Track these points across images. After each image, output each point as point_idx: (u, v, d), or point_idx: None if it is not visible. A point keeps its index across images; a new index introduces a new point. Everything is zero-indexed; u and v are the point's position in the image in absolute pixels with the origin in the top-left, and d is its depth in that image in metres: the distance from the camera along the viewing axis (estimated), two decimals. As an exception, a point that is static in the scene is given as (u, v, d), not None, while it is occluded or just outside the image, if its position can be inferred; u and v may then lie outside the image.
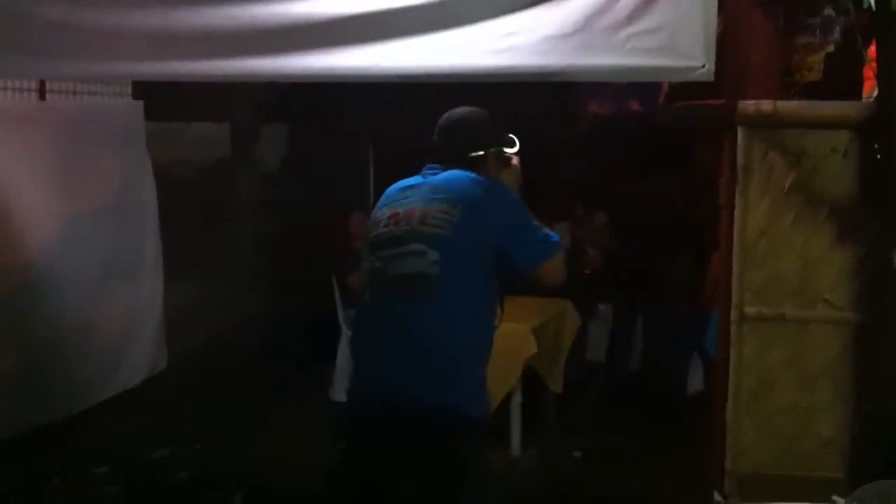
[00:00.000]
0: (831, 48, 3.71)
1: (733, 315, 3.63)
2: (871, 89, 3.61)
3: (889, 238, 3.44)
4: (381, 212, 3.05)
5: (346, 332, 5.99)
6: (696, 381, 6.02)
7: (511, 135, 3.19)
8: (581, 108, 7.64)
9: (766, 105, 3.62)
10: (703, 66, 3.37)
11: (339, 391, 5.84)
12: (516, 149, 3.20)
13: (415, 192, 3.01)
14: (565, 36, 3.34)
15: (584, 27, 3.35)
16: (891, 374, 3.48)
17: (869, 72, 3.61)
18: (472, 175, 3.01)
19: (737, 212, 3.62)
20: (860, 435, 3.60)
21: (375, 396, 2.89)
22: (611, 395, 6.36)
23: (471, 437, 2.87)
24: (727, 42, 3.56)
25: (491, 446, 4.48)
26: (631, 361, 6.71)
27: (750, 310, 3.62)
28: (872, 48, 3.47)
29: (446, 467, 2.81)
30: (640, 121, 6.78)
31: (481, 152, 3.09)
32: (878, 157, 3.47)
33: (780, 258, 3.59)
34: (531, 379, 5.53)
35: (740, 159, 3.60)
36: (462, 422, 2.83)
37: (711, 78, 3.45)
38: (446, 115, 3.19)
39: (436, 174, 3.06)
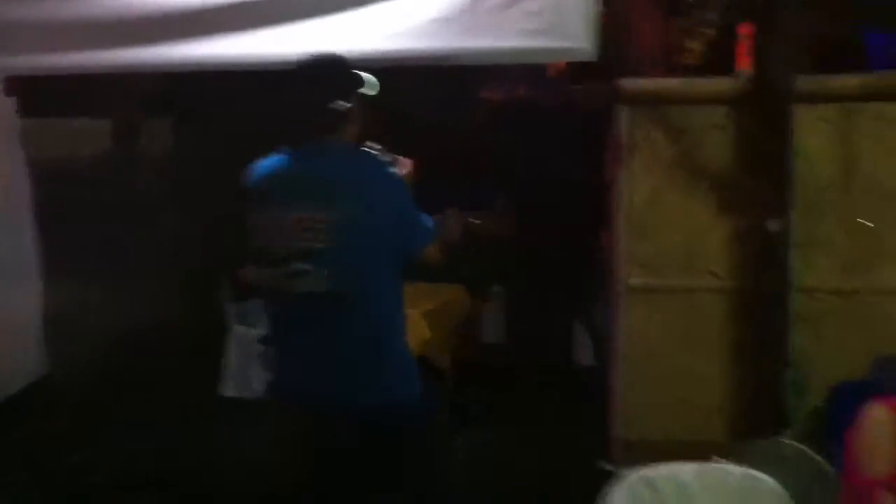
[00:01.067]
0: (713, 28, 3.84)
1: (621, 287, 3.75)
2: (746, 65, 3.76)
3: (769, 208, 3.59)
4: (263, 215, 2.79)
5: (236, 328, 5.88)
6: (586, 355, 6.13)
7: (369, 75, 2.89)
8: (478, 93, 7.67)
9: (647, 83, 3.74)
10: (587, 46, 3.46)
11: (231, 387, 5.73)
12: (376, 91, 2.89)
13: (292, 190, 2.73)
14: (453, 18, 3.38)
15: (471, 9, 3.40)
16: (773, 341, 3.64)
17: (743, 48, 3.76)
18: (355, 160, 2.77)
19: (623, 187, 3.72)
20: (745, 400, 3.74)
21: (310, 398, 2.78)
22: (504, 376, 6.41)
23: (417, 423, 2.82)
24: (613, 23, 3.66)
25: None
26: (526, 340, 6.78)
27: (637, 281, 3.74)
28: (746, 26, 3.63)
29: (402, 456, 2.77)
30: (538, 104, 6.85)
31: (348, 104, 2.77)
32: (756, 130, 3.62)
33: (666, 231, 3.72)
34: (424, 364, 5.52)
35: (625, 136, 3.71)
36: (404, 410, 2.77)
37: (595, 58, 3.54)
38: (299, 61, 2.83)
39: (313, 156, 2.77)
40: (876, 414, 2.26)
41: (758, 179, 3.62)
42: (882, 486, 2.16)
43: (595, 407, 4.05)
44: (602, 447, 3.90)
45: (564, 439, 4.82)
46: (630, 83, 3.72)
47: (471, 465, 4.77)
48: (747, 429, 3.64)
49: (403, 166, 2.96)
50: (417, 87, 4.63)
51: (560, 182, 6.30)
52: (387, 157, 2.90)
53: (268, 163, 2.85)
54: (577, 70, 3.97)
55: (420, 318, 5.26)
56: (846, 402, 3.51)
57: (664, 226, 3.71)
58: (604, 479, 2.75)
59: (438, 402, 2.86)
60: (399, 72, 3.33)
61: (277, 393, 2.93)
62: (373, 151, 2.86)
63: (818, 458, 3.29)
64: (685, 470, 2.42)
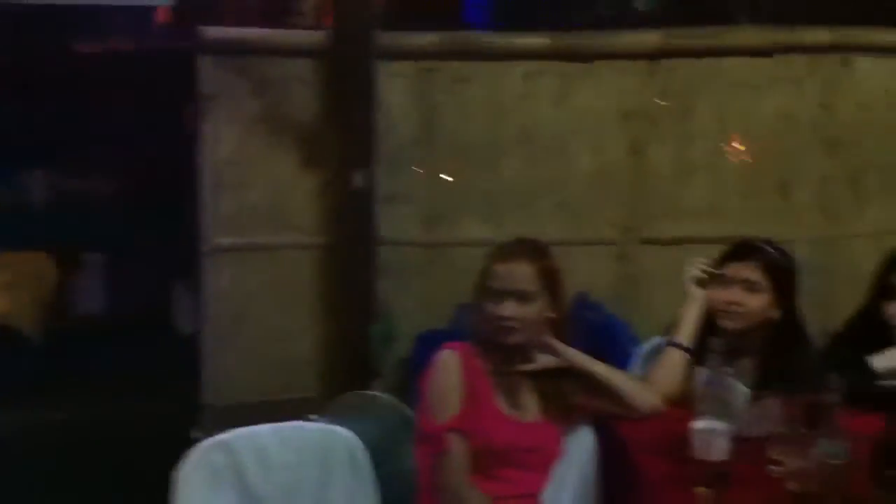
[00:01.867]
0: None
1: (207, 246, 3.57)
2: (329, 20, 3.72)
3: (352, 161, 3.59)
4: None
5: None
6: (188, 321, 5.89)
7: None
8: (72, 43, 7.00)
9: (229, 32, 3.58)
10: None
11: None
12: None
13: None
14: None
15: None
16: (360, 294, 3.67)
17: (328, 2, 3.72)
18: None
19: (205, 141, 3.53)
20: (336, 354, 3.74)
21: None
22: (99, 345, 5.97)
23: None
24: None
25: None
26: (124, 307, 6.38)
27: (223, 240, 3.58)
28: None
29: None
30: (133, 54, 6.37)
31: None
32: (339, 84, 3.60)
33: (251, 186, 3.60)
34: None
35: (206, 87, 3.52)
36: None
37: (171, 2, 3.31)
38: None
39: None
40: (445, 359, 2.30)
41: (341, 134, 3.60)
42: (450, 429, 2.20)
43: (192, 374, 3.85)
44: (196, 415, 3.71)
45: (160, 409, 4.56)
46: (211, 31, 3.54)
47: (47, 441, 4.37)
48: (339, 383, 3.63)
49: None
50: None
51: (154, 138, 5.93)
52: None
53: None
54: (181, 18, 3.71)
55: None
56: (428, 350, 3.65)
57: (249, 181, 3.60)
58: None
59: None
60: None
61: None
62: None
63: (405, 407, 3.37)
64: (262, 431, 2.30)
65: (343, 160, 3.61)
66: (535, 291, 2.30)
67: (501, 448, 2.24)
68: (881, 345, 2.56)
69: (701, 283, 2.63)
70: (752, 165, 3.93)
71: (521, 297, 2.29)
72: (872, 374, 2.48)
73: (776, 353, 2.58)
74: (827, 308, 3.86)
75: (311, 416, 3.27)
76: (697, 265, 2.66)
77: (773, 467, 2.08)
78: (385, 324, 3.69)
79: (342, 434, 2.31)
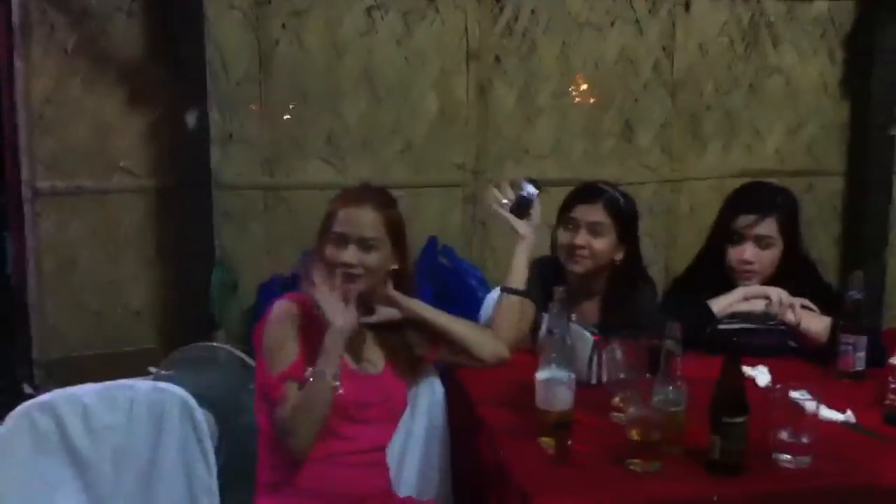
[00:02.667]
0: None
1: (26, 192, 3.31)
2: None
3: (183, 100, 3.38)
4: None
5: None
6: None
7: None
8: None
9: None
10: None
11: None
12: None
13: None
14: None
15: None
16: (197, 240, 3.49)
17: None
18: None
19: (19, 76, 3.25)
20: (175, 303, 3.58)
21: None
22: None
23: None
24: None
25: None
26: None
27: (43, 184, 3.33)
28: None
29: None
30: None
31: None
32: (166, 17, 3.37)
33: (72, 126, 3.35)
34: None
35: (17, 17, 3.22)
36: None
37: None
38: None
39: None
40: (281, 309, 2.19)
41: (171, 71, 3.38)
42: (286, 379, 2.11)
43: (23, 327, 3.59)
44: (27, 370, 3.48)
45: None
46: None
47: None
48: (179, 334, 3.47)
49: None
50: None
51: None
52: None
53: None
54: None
55: None
56: (273, 298, 3.53)
57: (69, 120, 3.34)
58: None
59: None
60: None
61: None
62: None
63: (245, 357, 3.25)
64: (87, 391, 2.15)
65: (174, 99, 3.40)
66: (380, 240, 2.22)
67: (343, 402, 2.15)
68: (721, 287, 2.61)
69: (519, 213, 2.59)
70: (596, 107, 3.94)
71: (365, 244, 2.20)
72: (712, 318, 2.53)
73: (619, 294, 2.62)
74: (670, 249, 3.97)
75: (151, 369, 3.13)
76: (496, 195, 2.62)
77: (615, 414, 2.10)
78: (225, 271, 3.53)
79: (175, 392, 2.18)
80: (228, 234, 3.59)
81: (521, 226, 2.60)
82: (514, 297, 2.56)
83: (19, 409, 2.09)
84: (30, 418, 2.09)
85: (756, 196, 2.69)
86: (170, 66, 3.38)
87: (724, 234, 2.66)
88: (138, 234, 3.50)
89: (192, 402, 2.20)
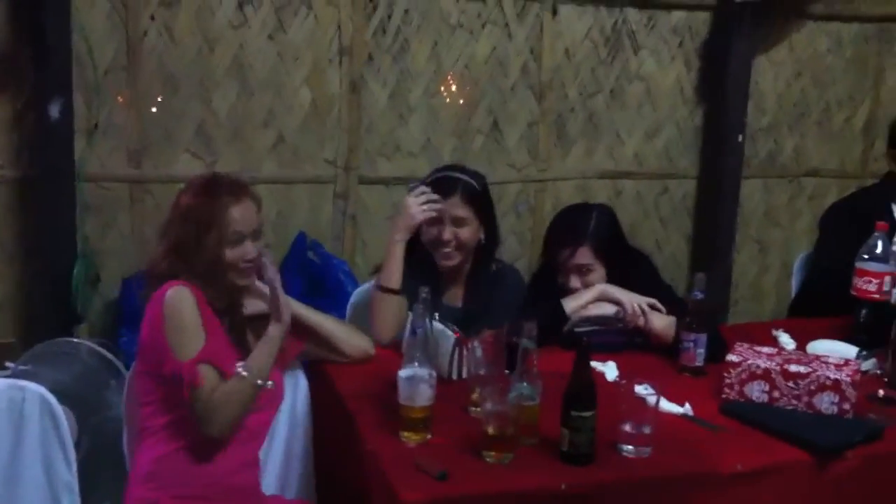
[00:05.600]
0: None
1: None
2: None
3: (47, 89, 3.30)
4: None
5: None
6: None
7: None
8: None
9: None
10: None
11: None
12: None
13: None
14: None
15: None
16: (60, 233, 3.41)
17: None
18: None
19: None
20: (36, 296, 3.49)
21: None
22: None
23: None
24: None
25: None
26: None
27: None
28: None
29: None
30: None
31: None
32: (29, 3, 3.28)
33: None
34: None
35: None
36: None
37: None
38: None
39: None
40: (178, 295, 2.17)
41: (34, 59, 3.29)
42: (200, 362, 2.12)
43: None
44: None
45: None
46: None
47: None
48: (40, 327, 3.39)
49: None
50: None
51: None
52: None
53: None
54: None
55: None
56: (136, 292, 3.49)
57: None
58: None
59: None
60: None
61: None
62: None
63: (106, 352, 3.22)
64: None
65: (37, 88, 3.31)
66: (262, 227, 2.29)
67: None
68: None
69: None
70: (466, 107, 4.04)
71: (256, 235, 2.27)
72: (565, 317, 2.66)
73: (482, 274, 2.74)
74: (534, 247, 4.10)
75: (8, 364, 3.05)
76: (422, 197, 2.64)
77: (472, 408, 2.19)
78: (87, 265, 3.47)
79: (33, 389, 2.17)
80: (92, 227, 3.53)
81: (401, 231, 2.63)
82: (389, 296, 2.62)
83: None
84: None
85: (566, 228, 2.83)
86: (34, 54, 3.28)
87: (550, 263, 2.84)
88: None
89: (52, 398, 2.19)
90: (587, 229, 2.77)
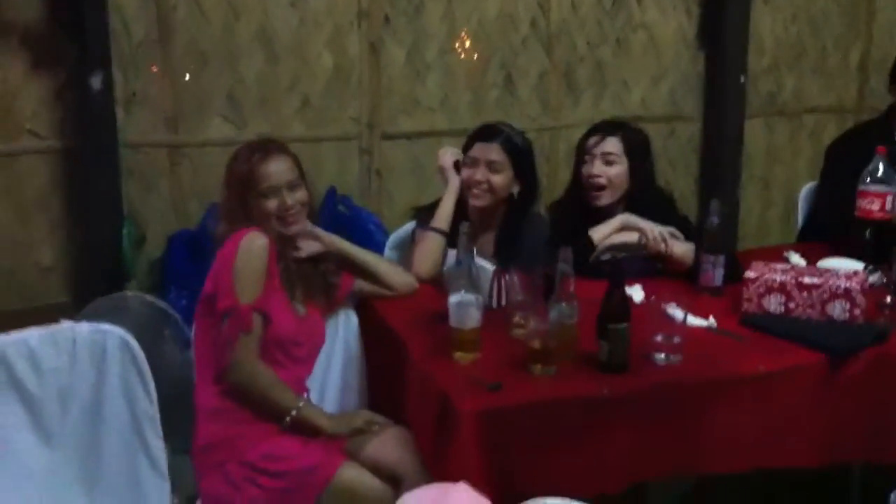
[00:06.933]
0: None
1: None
2: None
3: (87, 63, 3.46)
4: None
5: None
6: None
7: None
8: None
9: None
10: None
11: None
12: None
13: None
14: None
15: None
16: (105, 199, 3.59)
17: None
18: None
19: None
20: (84, 258, 3.66)
21: None
22: None
23: None
24: None
25: None
26: None
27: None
28: None
29: None
30: None
31: None
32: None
33: (-25, 90, 3.39)
34: None
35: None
36: None
37: None
38: None
39: None
40: (254, 241, 2.34)
41: (73, 36, 3.45)
42: (255, 310, 2.33)
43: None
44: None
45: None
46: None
47: None
48: (91, 288, 3.56)
49: None
50: None
51: None
52: None
53: None
54: None
55: None
56: (180, 250, 3.69)
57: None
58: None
59: None
60: None
61: None
62: None
63: (161, 303, 3.42)
64: (31, 336, 2.30)
65: (78, 62, 3.48)
66: (299, 179, 2.48)
67: (281, 338, 2.40)
68: (587, 210, 2.97)
69: (457, 167, 2.88)
70: (480, 62, 4.22)
71: (292, 186, 2.45)
72: (593, 246, 2.86)
73: (513, 227, 2.91)
74: (549, 192, 4.29)
75: (63, 321, 3.24)
76: (452, 152, 2.91)
77: (516, 330, 2.39)
78: (133, 226, 3.66)
79: (114, 332, 2.34)
80: (135, 191, 3.72)
81: (455, 179, 2.85)
82: (438, 236, 2.82)
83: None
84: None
85: (602, 124, 3.05)
86: (73, 31, 3.45)
87: (579, 158, 3.01)
88: (47, 193, 3.58)
89: (131, 339, 2.36)
90: (621, 125, 3.01)
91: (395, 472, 2.27)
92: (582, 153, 3.00)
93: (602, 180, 2.93)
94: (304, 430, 2.36)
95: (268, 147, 2.50)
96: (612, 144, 2.93)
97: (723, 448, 2.25)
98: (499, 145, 2.84)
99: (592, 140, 2.96)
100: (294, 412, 2.35)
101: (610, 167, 2.93)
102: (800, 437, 2.30)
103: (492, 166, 2.83)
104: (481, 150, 2.85)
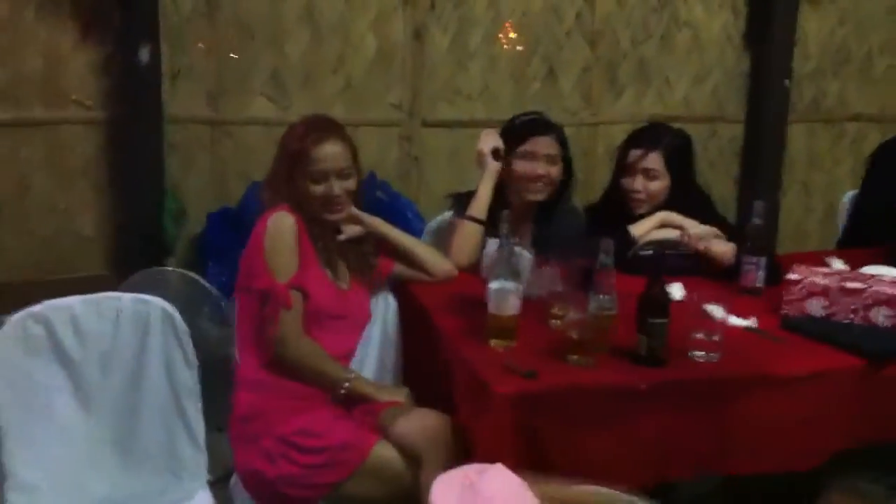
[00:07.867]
0: None
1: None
2: None
3: (135, 35, 3.49)
4: None
5: None
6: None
7: None
8: None
9: None
10: None
11: None
12: None
13: None
14: None
15: None
16: (148, 171, 3.62)
17: None
18: None
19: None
20: (125, 230, 3.70)
21: None
22: None
23: None
24: None
25: None
26: None
27: (-2, 114, 3.41)
28: None
29: None
30: None
31: None
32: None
33: (24, 56, 3.42)
34: None
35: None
36: None
37: None
38: None
39: None
40: (283, 221, 2.37)
41: (122, 7, 3.48)
42: (292, 287, 2.35)
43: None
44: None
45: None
46: None
47: None
48: (130, 260, 3.60)
49: None
50: None
51: None
52: None
53: None
54: None
55: None
56: (221, 227, 3.71)
57: (22, 50, 3.41)
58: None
59: None
60: None
61: None
62: None
63: (200, 279, 3.45)
64: (75, 302, 2.33)
65: (126, 34, 3.51)
66: (351, 167, 2.47)
67: (322, 312, 2.41)
68: (624, 216, 2.94)
69: (496, 154, 2.87)
70: (523, 53, 4.21)
71: (342, 174, 2.45)
72: (632, 241, 2.85)
73: (549, 217, 2.91)
74: (586, 189, 4.28)
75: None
76: (494, 138, 2.89)
77: (553, 321, 2.39)
78: (174, 201, 3.69)
79: (157, 303, 2.37)
80: (176, 165, 3.74)
81: (493, 165, 2.84)
82: (475, 225, 2.82)
83: (13, 318, 2.25)
84: (23, 326, 2.25)
85: (644, 135, 3.02)
86: (121, 1, 3.48)
87: (619, 169, 3.00)
88: (90, 163, 3.61)
89: (172, 309, 2.39)
90: (664, 138, 2.96)
91: (419, 453, 2.26)
92: (623, 164, 2.99)
93: (642, 196, 2.93)
94: (356, 400, 2.37)
95: (325, 129, 2.48)
96: (654, 160, 2.92)
97: (753, 448, 2.23)
98: (555, 139, 2.85)
99: (634, 155, 2.95)
100: (347, 384, 2.37)
101: (651, 182, 2.93)
102: (833, 441, 2.29)
103: (551, 160, 2.84)
104: (539, 144, 2.85)
